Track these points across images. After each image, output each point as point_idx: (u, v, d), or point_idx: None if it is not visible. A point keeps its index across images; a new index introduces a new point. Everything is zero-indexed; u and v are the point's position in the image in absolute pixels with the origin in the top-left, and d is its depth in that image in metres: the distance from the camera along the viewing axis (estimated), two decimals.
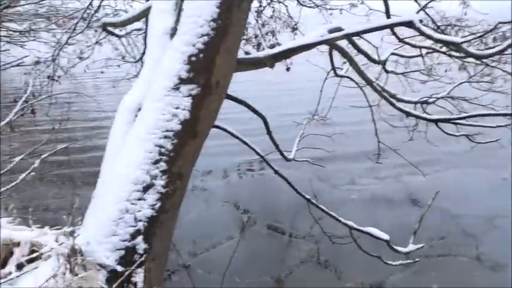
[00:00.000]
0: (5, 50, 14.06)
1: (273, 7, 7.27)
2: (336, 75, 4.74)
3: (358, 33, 3.07)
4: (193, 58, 2.47)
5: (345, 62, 5.66)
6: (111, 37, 6.96)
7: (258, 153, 3.70)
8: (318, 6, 7.48)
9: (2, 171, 4.22)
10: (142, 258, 2.52)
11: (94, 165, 6.83)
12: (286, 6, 7.13)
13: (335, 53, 4.50)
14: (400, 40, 4.41)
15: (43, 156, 4.70)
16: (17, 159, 4.62)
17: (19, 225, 3.21)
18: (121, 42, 6.90)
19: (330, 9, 7.77)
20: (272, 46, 7.47)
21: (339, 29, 3.36)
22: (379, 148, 5.79)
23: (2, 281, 2.55)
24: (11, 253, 2.70)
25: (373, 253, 4.21)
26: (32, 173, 4.58)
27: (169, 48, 2.66)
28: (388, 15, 4.13)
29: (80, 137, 6.24)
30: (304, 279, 5.35)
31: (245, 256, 5.69)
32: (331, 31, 3.31)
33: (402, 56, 5.48)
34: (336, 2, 8.57)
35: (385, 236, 3.67)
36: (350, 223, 3.78)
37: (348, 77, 4.89)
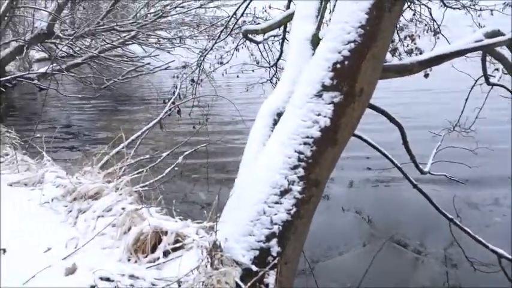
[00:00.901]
0: (155, 56, 15.87)
1: (413, 9, 6.85)
2: (488, 83, 4.27)
3: None
4: (338, 65, 2.43)
5: (496, 69, 5.10)
6: (248, 43, 7.29)
7: (396, 165, 3.52)
8: (465, 7, 6.82)
9: (151, 165, 4.72)
10: (275, 261, 2.57)
11: (227, 165, 7.25)
12: (430, 8, 6.65)
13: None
14: None
15: (185, 153, 5.15)
16: (164, 155, 5.15)
17: (165, 215, 3.55)
18: (258, 48, 7.20)
19: (480, 10, 7.03)
20: (410, 51, 7.06)
21: (498, 33, 3.01)
22: None
23: (152, 264, 2.84)
24: (160, 240, 2.99)
25: None
26: (175, 168, 5.06)
27: (314, 54, 2.66)
28: None
29: (216, 138, 6.67)
30: None
31: (370, 268, 5.46)
32: (488, 35, 2.99)
33: None
34: (486, 2, 7.75)
35: None
36: (500, 251, 3.36)
37: (502, 86, 4.37)
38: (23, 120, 10.00)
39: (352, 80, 2.43)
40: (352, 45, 2.39)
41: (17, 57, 13.54)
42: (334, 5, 5.89)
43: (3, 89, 13.66)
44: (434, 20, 6.82)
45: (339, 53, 2.42)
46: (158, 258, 2.85)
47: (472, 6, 6.94)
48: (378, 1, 2.35)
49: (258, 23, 8.10)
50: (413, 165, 4.71)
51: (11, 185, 4.23)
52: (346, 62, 2.41)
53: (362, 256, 5.67)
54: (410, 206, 6.62)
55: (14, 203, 3.79)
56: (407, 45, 6.99)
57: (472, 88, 5.01)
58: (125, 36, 14.86)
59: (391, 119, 3.63)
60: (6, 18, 10.87)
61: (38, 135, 5.85)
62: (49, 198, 3.79)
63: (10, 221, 3.47)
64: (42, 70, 12.63)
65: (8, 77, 12.26)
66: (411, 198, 5.99)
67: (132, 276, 2.71)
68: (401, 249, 6.13)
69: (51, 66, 11.05)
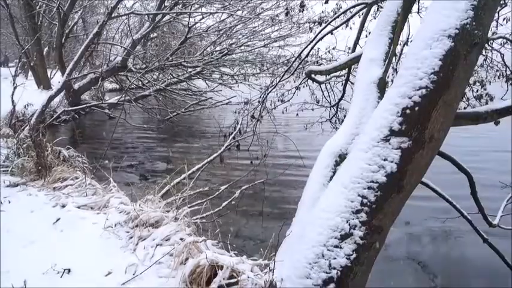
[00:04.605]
0: (217, 91, 16.45)
1: (485, 55, 6.61)
2: None
3: None
4: (408, 111, 2.39)
5: None
6: (310, 82, 7.36)
7: (465, 217, 3.32)
8: None
9: (210, 198, 4.81)
10: None
11: (282, 201, 7.21)
12: (502, 54, 6.39)
13: None
14: None
15: (243, 188, 5.21)
16: (222, 188, 5.24)
17: (221, 249, 3.57)
18: (319, 88, 7.24)
19: None
20: (479, 97, 6.77)
21: None
22: None
23: None
24: (215, 274, 3.00)
25: None
26: (232, 202, 5.12)
27: (382, 99, 2.64)
28: None
29: (273, 174, 6.68)
30: None
31: None
32: None
33: None
34: None
35: None
36: None
37: None
38: (92, 146, 10.63)
39: (422, 126, 2.37)
40: (424, 91, 2.35)
41: (92, 87, 14.60)
42: (401, 49, 5.88)
43: (77, 116, 14.75)
44: (507, 66, 6.52)
45: (409, 98, 2.38)
46: None
47: None
48: (453, 48, 2.31)
49: (321, 64, 8.19)
50: (480, 217, 4.46)
51: (79, 207, 4.48)
52: (416, 108, 2.36)
53: None
54: (475, 261, 6.18)
55: (81, 225, 4.00)
56: (477, 91, 6.72)
57: None
58: (190, 72, 15.56)
59: (460, 167, 3.47)
60: (87, 52, 11.83)
61: (106, 161, 6.20)
62: (112, 223, 3.96)
63: (76, 242, 3.65)
64: (114, 100, 13.50)
65: (84, 106, 13.22)
66: (476, 252, 5.61)
67: None
68: None
69: (122, 97, 11.76)
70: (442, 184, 4.32)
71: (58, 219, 4.17)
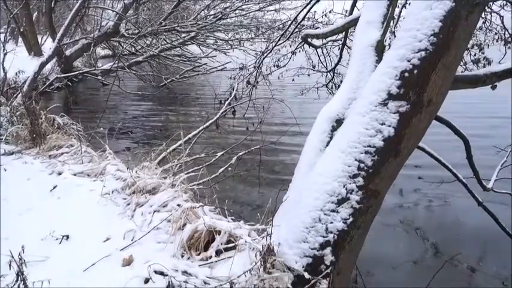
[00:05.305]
0: (212, 56, 16.19)
1: (483, 18, 6.48)
2: None
3: None
4: (407, 74, 2.34)
5: None
6: (306, 46, 7.23)
7: (460, 181, 3.34)
8: None
9: (207, 164, 4.81)
10: (328, 270, 2.52)
11: (279, 167, 7.23)
12: (502, 16, 6.27)
13: None
14: None
15: (239, 154, 5.20)
16: (219, 154, 5.23)
17: (218, 215, 3.60)
18: (316, 52, 7.12)
19: None
20: (477, 61, 6.68)
21: None
22: None
23: (204, 263, 2.88)
24: (213, 239, 3.03)
25: None
26: (229, 168, 5.12)
27: (381, 62, 2.58)
28: None
29: (270, 140, 6.68)
30: None
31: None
32: None
33: None
34: None
35: None
36: None
37: None
38: (87, 114, 10.55)
39: (421, 89, 2.33)
40: (423, 53, 2.30)
41: (84, 53, 14.31)
42: (400, 12, 5.75)
43: (70, 84, 14.53)
44: (506, 29, 6.41)
45: (408, 61, 2.33)
46: (210, 257, 2.89)
47: None
48: (453, 8, 2.24)
49: (317, 27, 8.02)
50: (474, 181, 4.50)
51: (75, 174, 4.47)
52: (415, 71, 2.32)
53: (417, 273, 5.44)
54: (468, 223, 6.30)
55: (78, 192, 4.00)
56: (475, 55, 6.62)
57: None
58: (184, 37, 15.24)
59: (457, 132, 3.46)
60: (77, 17, 11.52)
61: (101, 128, 6.15)
62: (109, 190, 3.96)
63: (74, 209, 3.67)
64: (107, 67, 13.27)
65: (76, 72, 13.01)
66: (468, 214, 5.70)
67: (185, 273, 2.76)
68: (460, 268, 5.81)
69: (115, 63, 11.56)
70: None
71: (55, 187, 4.17)
